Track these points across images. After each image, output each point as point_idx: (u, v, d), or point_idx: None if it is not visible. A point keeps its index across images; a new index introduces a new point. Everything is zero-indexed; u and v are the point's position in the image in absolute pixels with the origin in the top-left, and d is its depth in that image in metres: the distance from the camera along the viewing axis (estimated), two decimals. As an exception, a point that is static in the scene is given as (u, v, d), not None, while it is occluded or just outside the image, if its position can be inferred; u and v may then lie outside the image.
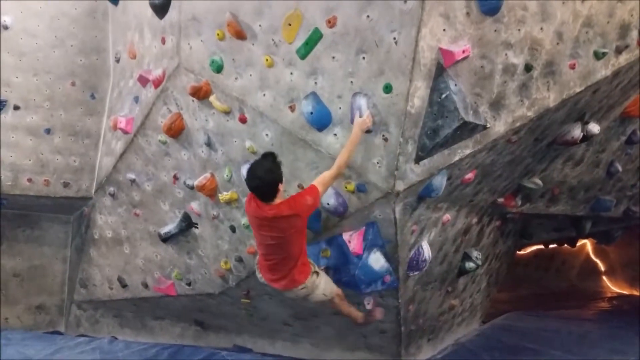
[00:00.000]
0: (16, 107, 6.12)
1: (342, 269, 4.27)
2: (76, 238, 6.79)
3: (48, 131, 6.19)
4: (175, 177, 5.24)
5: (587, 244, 11.60)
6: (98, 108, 6.21)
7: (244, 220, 4.82)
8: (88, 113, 6.23)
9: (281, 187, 3.65)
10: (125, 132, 5.39)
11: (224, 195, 4.80)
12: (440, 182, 3.89)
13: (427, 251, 4.43)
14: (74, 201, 6.35)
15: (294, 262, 3.80)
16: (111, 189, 5.91)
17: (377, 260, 4.12)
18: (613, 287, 11.57)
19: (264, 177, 3.56)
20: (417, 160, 3.69)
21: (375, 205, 3.92)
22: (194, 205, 5.24)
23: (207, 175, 4.87)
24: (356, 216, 4.08)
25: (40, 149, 6.19)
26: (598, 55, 4.17)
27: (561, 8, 3.84)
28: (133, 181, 5.62)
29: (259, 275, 4.21)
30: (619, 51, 4.30)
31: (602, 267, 11.79)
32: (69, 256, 6.99)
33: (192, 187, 5.08)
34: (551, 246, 10.40)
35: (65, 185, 6.24)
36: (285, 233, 3.66)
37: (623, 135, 5.54)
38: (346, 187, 3.95)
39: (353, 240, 4.09)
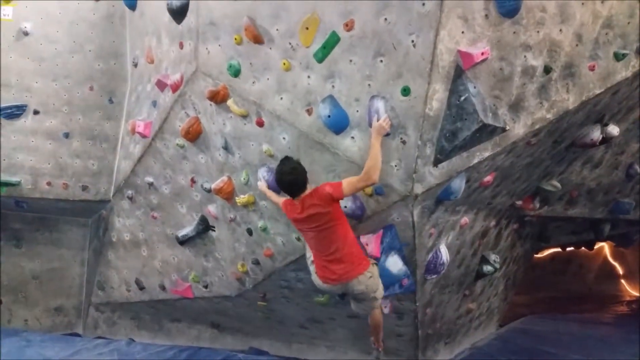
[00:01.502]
0: (36, 112, 6.20)
1: (359, 272, 4.25)
2: (94, 241, 6.85)
3: (67, 135, 6.26)
4: (193, 181, 5.28)
5: (604, 247, 11.43)
6: (116, 112, 6.27)
7: (261, 223, 4.84)
8: (106, 117, 6.29)
9: (308, 183, 3.91)
10: (144, 136, 5.44)
11: (241, 198, 4.82)
12: (459, 185, 3.87)
13: (444, 254, 4.41)
14: (92, 204, 6.41)
15: (349, 249, 3.88)
16: (129, 192, 5.96)
17: (395, 264, 4.11)
18: (632, 290, 11.39)
19: (293, 172, 3.86)
20: (436, 163, 3.68)
21: (393, 208, 3.91)
22: (211, 208, 5.27)
23: (225, 178, 4.90)
24: (374, 219, 4.07)
25: (59, 153, 6.27)
26: (618, 57, 4.13)
27: (580, 9, 3.81)
28: (151, 184, 5.66)
29: (317, 282, 4.17)
30: (639, 52, 4.24)
31: (620, 271, 11.61)
32: (87, 259, 7.06)
33: (209, 190, 5.11)
34: (568, 249, 10.27)
35: (84, 188, 6.30)
36: (320, 221, 3.81)
37: (643, 137, 5.47)
38: (364, 191, 3.94)
39: (371, 243, 4.08)
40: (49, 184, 6.28)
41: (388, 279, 4.17)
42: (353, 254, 3.90)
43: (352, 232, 3.94)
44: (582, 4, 3.80)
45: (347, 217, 4.08)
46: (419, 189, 3.72)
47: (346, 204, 4.02)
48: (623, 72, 4.21)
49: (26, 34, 6.17)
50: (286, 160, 3.96)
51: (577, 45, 3.89)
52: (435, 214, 4.09)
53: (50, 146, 6.25)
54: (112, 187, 6.28)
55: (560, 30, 3.77)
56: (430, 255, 4.35)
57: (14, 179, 6.18)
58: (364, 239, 4.15)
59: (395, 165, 3.72)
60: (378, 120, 3.66)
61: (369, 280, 3.94)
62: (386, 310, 4.69)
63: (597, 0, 3.88)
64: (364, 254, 4.03)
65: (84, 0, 6.23)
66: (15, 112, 6.13)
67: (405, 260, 4.17)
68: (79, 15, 6.24)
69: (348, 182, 3.70)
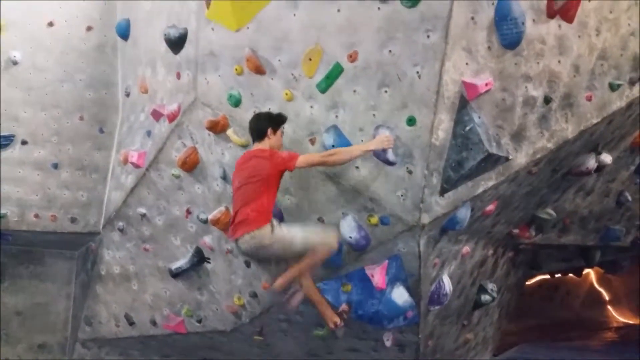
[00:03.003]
0: (24, 142, 6.07)
1: (364, 304, 4.19)
2: (81, 274, 6.64)
3: (55, 166, 6.12)
4: (188, 211, 5.18)
5: (590, 273, 11.56)
6: (107, 142, 6.16)
7: (260, 255, 4.75)
8: (96, 147, 6.18)
9: (270, 132, 3.89)
10: (137, 166, 5.34)
11: (238, 230, 4.73)
12: (464, 214, 3.87)
13: (447, 285, 4.38)
14: (80, 237, 6.23)
15: (249, 207, 3.73)
16: (120, 223, 5.82)
17: (400, 295, 4.05)
18: (618, 316, 11.49)
19: (257, 119, 3.97)
20: (442, 192, 3.68)
21: (399, 238, 3.88)
22: (207, 240, 5.17)
23: (222, 208, 4.81)
24: (379, 250, 4.03)
25: (47, 184, 6.11)
26: (613, 87, 4.24)
27: (577, 41, 3.92)
28: (143, 216, 5.54)
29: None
30: (632, 82, 4.38)
31: (606, 297, 11.73)
32: (73, 293, 6.82)
33: (205, 221, 5.01)
34: (556, 275, 10.35)
35: (73, 220, 6.14)
36: (252, 175, 3.76)
37: (632, 164, 5.59)
38: (369, 220, 3.91)
39: (376, 274, 4.03)
40: (36, 216, 6.10)
41: (393, 311, 4.11)
42: (252, 213, 3.71)
43: (271, 200, 3.79)
44: (579, 36, 3.91)
45: (352, 248, 4.04)
46: (426, 218, 3.70)
47: (351, 234, 3.97)
48: (618, 102, 4.32)
49: (15, 63, 6.08)
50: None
51: (574, 76, 3.98)
52: (439, 243, 4.07)
53: (38, 177, 6.09)
54: (102, 218, 6.12)
55: (559, 61, 3.86)
56: (433, 285, 4.31)
57: (-1, 211, 6.01)
58: (368, 269, 4.10)
59: (402, 195, 3.71)
60: (384, 150, 3.65)
61: (252, 241, 3.70)
62: (388, 343, 4.60)
63: (592, 33, 3.99)
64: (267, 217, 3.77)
65: (75, 30, 6.19)
66: (2, 142, 5.99)
67: (410, 292, 4.12)
68: (69, 44, 6.18)
69: (305, 156, 3.74)
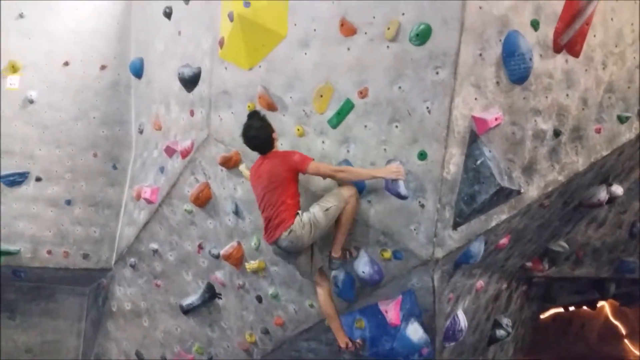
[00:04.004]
0: (38, 179, 6.17)
1: (378, 340, 4.13)
2: (92, 311, 6.62)
3: (69, 202, 6.19)
4: (200, 247, 5.19)
5: (605, 306, 11.33)
6: (120, 178, 6.25)
7: (272, 290, 4.73)
8: (109, 183, 6.26)
9: (275, 135, 3.95)
10: (150, 202, 5.39)
11: (251, 264, 4.73)
12: (478, 248, 3.85)
13: (462, 320, 4.32)
14: (92, 273, 6.26)
15: (280, 211, 3.81)
16: (132, 259, 5.84)
17: (415, 332, 3.99)
18: (635, 350, 11.19)
19: (260, 135, 3.90)
20: (455, 226, 3.67)
21: (413, 273, 3.85)
22: (219, 275, 5.16)
23: (234, 243, 4.83)
24: (393, 285, 4.00)
25: (60, 220, 6.17)
26: (622, 120, 4.27)
27: (584, 75, 3.97)
28: (155, 251, 5.56)
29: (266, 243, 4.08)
30: (640, 115, 4.40)
31: (622, 330, 11.44)
32: (84, 330, 6.79)
33: (217, 256, 5.02)
34: (570, 309, 10.15)
35: (85, 256, 6.17)
36: (271, 182, 3.82)
37: (644, 195, 5.56)
38: (382, 255, 3.90)
39: (390, 310, 3.99)
40: (49, 252, 6.15)
41: (408, 348, 4.04)
42: (284, 210, 3.80)
43: (293, 198, 3.85)
44: (586, 70, 3.96)
45: (365, 283, 4.02)
46: (439, 253, 3.68)
47: (364, 269, 3.96)
48: (627, 134, 4.34)
49: (31, 101, 6.24)
50: (251, 120, 3.95)
51: (583, 109, 4.02)
52: (453, 278, 4.04)
53: (51, 213, 6.16)
54: (113, 254, 6.16)
55: (567, 95, 3.90)
56: (448, 321, 4.25)
57: (13, 247, 6.05)
58: (382, 305, 4.06)
59: (415, 229, 3.71)
60: (394, 181, 3.68)
61: (290, 236, 3.77)
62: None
63: (598, 67, 4.05)
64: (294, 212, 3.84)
65: (90, 69, 6.36)
66: (17, 179, 6.10)
67: (425, 328, 4.06)
68: (84, 83, 6.35)
69: (316, 164, 3.80)
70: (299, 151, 3.93)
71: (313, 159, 3.83)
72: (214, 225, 4.98)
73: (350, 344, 4.07)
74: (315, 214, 3.79)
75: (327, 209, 3.78)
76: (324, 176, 3.89)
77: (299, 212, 3.83)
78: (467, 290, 4.38)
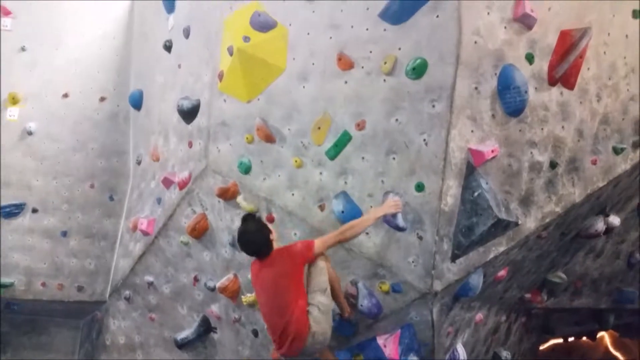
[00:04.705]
0: (34, 210, 6.14)
1: (377, 375, 4.07)
2: (85, 344, 6.51)
3: (64, 234, 6.15)
4: (196, 279, 5.15)
5: (605, 337, 11.20)
6: (116, 209, 6.23)
7: (269, 323, 4.66)
8: (106, 214, 6.24)
9: (272, 236, 3.74)
10: (146, 234, 5.36)
11: (247, 297, 4.68)
12: (477, 280, 3.83)
13: (462, 354, 4.25)
14: (86, 305, 6.18)
15: (296, 318, 3.52)
16: (127, 292, 5.77)
17: (414, 366, 3.94)
18: (637, 382, 11.02)
19: (257, 239, 3.71)
20: (454, 258, 3.65)
21: (411, 306, 3.82)
22: (214, 308, 5.10)
23: (230, 276, 4.79)
24: (391, 318, 3.95)
25: (55, 252, 6.12)
26: (617, 151, 4.31)
27: (579, 107, 4.02)
28: (151, 284, 5.50)
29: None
30: (635, 146, 4.44)
31: (623, 362, 11.30)
32: (77, 364, 6.67)
33: (213, 289, 4.97)
34: (569, 339, 10.03)
35: (80, 289, 6.10)
36: (281, 282, 3.59)
37: (641, 225, 5.57)
38: (380, 287, 3.87)
39: (389, 344, 3.93)
40: (43, 284, 6.07)
41: (408, 382, 3.98)
42: (297, 314, 3.53)
43: (303, 296, 3.60)
44: (580, 102, 4.02)
45: (364, 316, 3.97)
46: (438, 285, 3.66)
47: (362, 302, 3.92)
48: (623, 165, 4.37)
49: (30, 133, 6.25)
50: (246, 223, 3.77)
51: (579, 140, 4.06)
52: (452, 311, 4.00)
53: (47, 245, 6.11)
54: (108, 287, 6.08)
55: (563, 127, 3.94)
56: (448, 355, 4.19)
57: (7, 280, 5.97)
58: (380, 339, 4.00)
59: (413, 261, 3.69)
60: (393, 216, 3.68)
61: (316, 337, 3.54)
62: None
63: (593, 99, 4.10)
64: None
65: (89, 100, 6.40)
66: (13, 210, 6.07)
67: (424, 362, 4.01)
68: (83, 114, 6.38)
69: (321, 240, 3.64)
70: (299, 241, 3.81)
71: (314, 240, 3.64)
72: (210, 257, 4.94)
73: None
74: (321, 302, 3.60)
75: (325, 289, 3.65)
76: (334, 246, 3.70)
77: (309, 309, 3.59)
78: (466, 324, 4.34)
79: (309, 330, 3.52)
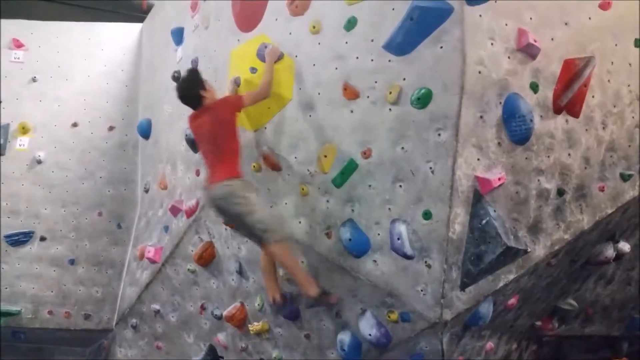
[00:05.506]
0: (42, 239, 6.17)
1: (386, 406, 4.00)
2: (91, 373, 6.47)
3: (72, 262, 6.17)
4: (203, 307, 5.13)
5: (618, 365, 10.97)
6: (124, 237, 6.25)
7: (276, 353, 4.63)
8: (113, 243, 6.26)
9: (204, 93, 4.11)
10: (153, 262, 5.37)
11: (254, 326, 4.65)
12: (487, 309, 3.79)
13: (473, 384, 4.19)
14: (93, 334, 6.16)
15: (222, 157, 4.03)
16: (133, 320, 5.75)
17: (424, 397, 3.87)
18: (653, 412, 10.74)
19: (184, 89, 4.18)
20: (463, 287, 3.62)
21: (421, 335, 3.77)
22: (221, 337, 5.07)
23: (237, 304, 4.77)
24: (401, 348, 3.90)
25: (63, 280, 6.14)
26: (624, 178, 4.29)
27: (585, 135, 4.03)
28: (157, 312, 5.48)
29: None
30: (643, 173, 4.43)
31: (638, 390, 11.04)
32: (82, 395, 6.61)
33: (220, 317, 4.95)
34: (583, 368, 9.84)
35: (86, 317, 6.09)
36: (212, 127, 4.02)
37: (652, 252, 5.51)
38: (389, 316, 3.83)
39: (399, 375, 3.88)
40: (50, 312, 6.07)
41: (418, 415, 3.90)
42: (225, 162, 4.02)
43: (236, 146, 4.07)
44: (586, 130, 4.03)
45: (372, 346, 3.93)
46: (448, 314, 3.62)
47: (370, 332, 3.88)
48: (631, 192, 4.35)
49: (39, 162, 6.33)
50: (185, 75, 4.29)
51: (585, 167, 4.05)
52: (463, 340, 3.95)
53: (54, 273, 6.13)
54: (115, 315, 6.06)
55: (569, 154, 3.94)
56: (459, 386, 4.13)
57: (14, 308, 5.97)
58: (390, 370, 3.96)
59: (422, 290, 3.66)
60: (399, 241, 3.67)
61: (234, 191, 3.93)
62: None
63: (598, 127, 4.11)
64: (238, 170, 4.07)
65: (98, 129, 6.48)
66: (21, 238, 6.10)
67: (435, 394, 3.94)
68: (91, 143, 6.46)
69: (247, 95, 4.08)
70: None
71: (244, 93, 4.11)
72: (217, 285, 4.93)
73: (322, 296, 3.98)
74: (258, 210, 3.95)
75: (265, 221, 3.92)
76: (259, 101, 4.07)
77: (250, 181, 4.11)
78: (476, 352, 4.27)
79: (229, 177, 3.96)
